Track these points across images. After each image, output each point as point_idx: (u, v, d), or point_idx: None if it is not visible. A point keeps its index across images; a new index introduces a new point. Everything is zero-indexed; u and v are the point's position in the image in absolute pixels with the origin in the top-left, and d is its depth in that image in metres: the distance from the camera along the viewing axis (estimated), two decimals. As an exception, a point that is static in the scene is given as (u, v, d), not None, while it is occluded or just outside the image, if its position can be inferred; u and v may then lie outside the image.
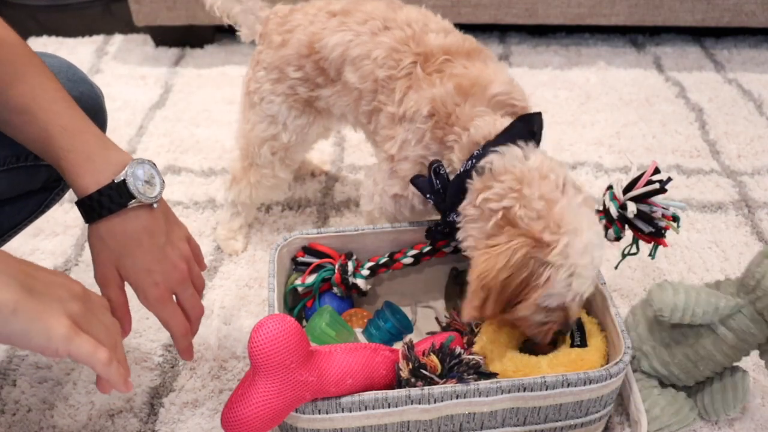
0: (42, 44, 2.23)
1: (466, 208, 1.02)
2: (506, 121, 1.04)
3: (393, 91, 1.12)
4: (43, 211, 1.05)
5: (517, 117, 1.05)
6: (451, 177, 1.05)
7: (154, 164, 0.87)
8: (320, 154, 1.73)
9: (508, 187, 0.96)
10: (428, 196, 1.08)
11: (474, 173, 1.01)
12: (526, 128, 1.04)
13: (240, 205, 1.43)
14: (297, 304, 1.20)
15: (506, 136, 1.02)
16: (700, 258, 1.44)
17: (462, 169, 1.03)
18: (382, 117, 1.16)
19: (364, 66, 1.15)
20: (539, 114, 1.07)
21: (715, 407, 1.08)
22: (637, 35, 2.25)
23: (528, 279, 0.93)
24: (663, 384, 1.11)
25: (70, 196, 1.58)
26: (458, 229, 1.04)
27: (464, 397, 0.95)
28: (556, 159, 1.02)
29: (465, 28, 2.29)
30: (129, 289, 0.91)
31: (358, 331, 1.19)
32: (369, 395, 0.93)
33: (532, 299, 0.95)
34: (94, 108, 1.01)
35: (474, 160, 1.02)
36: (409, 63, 1.11)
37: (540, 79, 2.03)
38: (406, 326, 1.18)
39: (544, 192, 0.95)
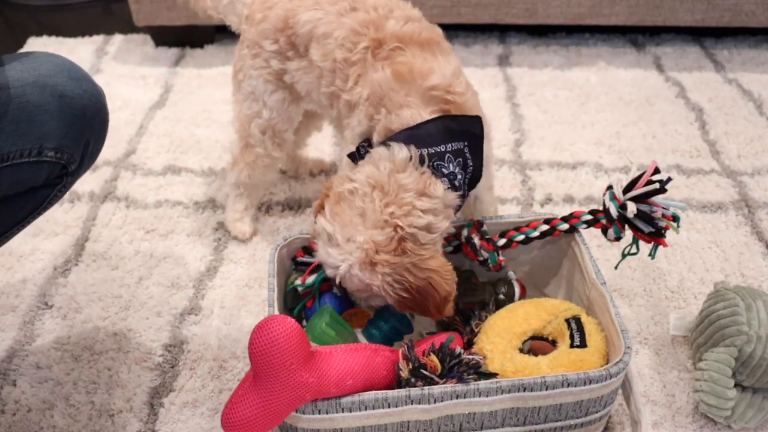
0: (42, 44, 2.23)
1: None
2: (430, 118, 1.08)
3: (347, 77, 1.17)
4: (45, 208, 1.06)
5: (437, 117, 1.07)
6: None
7: None
8: (320, 153, 1.73)
9: (367, 180, 1.03)
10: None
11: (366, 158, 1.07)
12: (444, 129, 1.06)
13: (242, 186, 1.46)
14: (297, 304, 1.20)
15: (411, 132, 1.05)
16: (700, 258, 1.44)
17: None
18: (342, 105, 1.20)
19: (326, 44, 1.19)
20: (475, 117, 1.09)
21: (745, 417, 1.10)
22: (637, 35, 2.25)
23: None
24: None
25: (70, 195, 1.58)
26: None
27: (464, 397, 0.95)
28: (436, 192, 1.03)
29: (465, 28, 2.31)
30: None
31: (358, 331, 1.18)
32: (369, 395, 0.93)
33: None
34: (95, 106, 1.01)
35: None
36: (363, 48, 1.15)
37: (540, 79, 2.03)
38: (406, 326, 1.18)
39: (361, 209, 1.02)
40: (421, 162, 1.04)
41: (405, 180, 1.02)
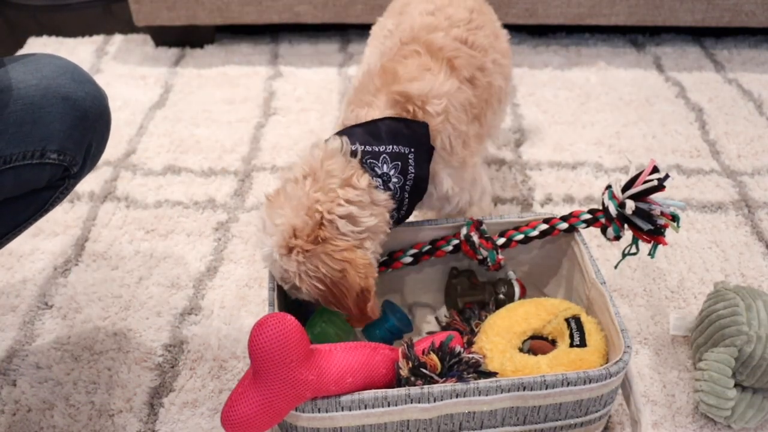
0: (42, 44, 2.23)
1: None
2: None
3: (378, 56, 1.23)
4: (47, 210, 1.06)
5: (384, 117, 1.08)
6: None
7: None
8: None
9: (299, 168, 1.05)
10: None
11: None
12: (389, 131, 1.07)
13: None
14: (296, 304, 1.20)
15: (356, 128, 1.08)
16: (700, 258, 1.44)
17: None
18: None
19: (401, 22, 1.28)
20: (422, 124, 1.09)
21: (745, 417, 1.10)
22: (637, 35, 2.25)
23: None
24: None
25: (70, 195, 1.58)
26: None
27: (464, 396, 0.95)
28: (361, 184, 1.04)
29: (465, 28, 2.29)
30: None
31: (358, 330, 1.19)
32: (369, 394, 0.93)
33: None
34: (98, 109, 1.02)
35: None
36: (400, 40, 1.20)
37: (540, 79, 2.03)
38: (406, 325, 1.18)
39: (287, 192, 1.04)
40: (353, 155, 1.05)
41: (331, 167, 1.02)
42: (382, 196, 1.06)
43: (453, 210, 1.25)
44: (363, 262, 1.02)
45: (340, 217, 1.01)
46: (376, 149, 1.06)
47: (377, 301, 1.07)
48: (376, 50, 1.29)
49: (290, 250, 1.00)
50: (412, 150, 1.08)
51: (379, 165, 1.06)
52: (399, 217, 1.11)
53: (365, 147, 1.05)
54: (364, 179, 1.04)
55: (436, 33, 1.18)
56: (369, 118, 1.08)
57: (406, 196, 1.09)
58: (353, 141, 1.06)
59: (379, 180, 1.05)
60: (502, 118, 1.43)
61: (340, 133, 1.08)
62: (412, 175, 1.08)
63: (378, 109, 1.09)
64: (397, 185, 1.07)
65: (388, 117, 1.08)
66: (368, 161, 1.05)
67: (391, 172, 1.06)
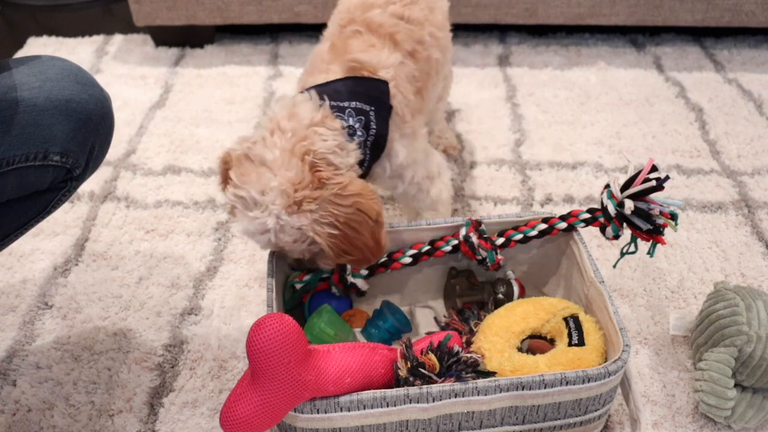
0: (42, 44, 2.23)
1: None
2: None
3: (324, 41, 1.23)
4: (49, 212, 1.06)
5: (345, 77, 1.10)
6: None
7: None
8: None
9: (269, 122, 1.04)
10: None
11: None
12: (350, 89, 1.07)
13: None
14: (296, 304, 1.20)
15: (319, 87, 1.08)
16: (700, 258, 1.44)
17: None
18: None
19: (338, 9, 1.30)
20: (382, 82, 1.11)
21: (745, 416, 1.10)
22: (637, 35, 2.25)
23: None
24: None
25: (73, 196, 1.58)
26: None
27: (463, 396, 0.95)
28: (331, 125, 1.04)
29: (465, 28, 2.31)
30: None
31: (357, 330, 1.19)
32: (367, 394, 0.93)
33: None
34: (101, 112, 1.02)
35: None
36: (337, 25, 1.22)
37: (540, 79, 2.03)
38: (405, 325, 1.18)
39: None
40: (320, 106, 1.05)
41: (302, 113, 1.01)
42: (352, 145, 1.06)
43: (408, 188, 1.23)
44: (370, 188, 1.01)
45: (330, 152, 1.00)
46: (341, 104, 1.06)
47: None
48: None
49: (299, 204, 0.97)
50: (373, 108, 1.08)
51: (345, 118, 1.06)
52: (361, 173, 1.10)
53: (331, 102, 1.06)
54: (336, 122, 1.04)
55: (373, 11, 1.20)
56: (325, 80, 1.10)
57: (368, 152, 1.09)
58: (319, 96, 1.06)
59: (346, 130, 1.06)
60: (437, 93, 1.44)
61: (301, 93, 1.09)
62: (374, 131, 1.09)
63: (335, 74, 1.11)
64: (361, 139, 1.07)
65: (348, 77, 1.09)
66: (335, 114, 1.05)
67: (356, 125, 1.06)
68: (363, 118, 1.07)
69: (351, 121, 1.06)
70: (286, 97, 1.08)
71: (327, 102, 1.06)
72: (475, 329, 1.11)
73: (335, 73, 1.11)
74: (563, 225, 1.17)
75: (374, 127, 1.08)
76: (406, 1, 1.24)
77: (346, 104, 1.06)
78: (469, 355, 0.98)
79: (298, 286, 1.17)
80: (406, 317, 1.18)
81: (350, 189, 0.98)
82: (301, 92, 1.09)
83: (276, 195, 0.97)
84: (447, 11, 1.39)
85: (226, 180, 1.05)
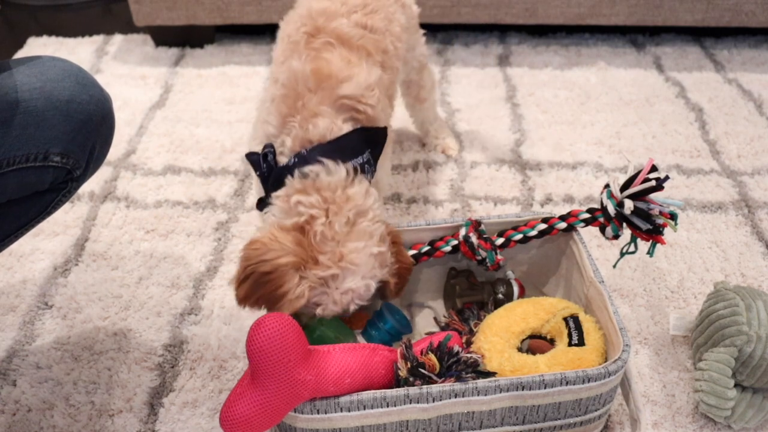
0: (42, 44, 2.23)
1: (280, 198, 1.07)
2: (346, 128, 1.10)
3: (283, 52, 1.20)
4: (50, 213, 1.06)
5: (358, 128, 1.11)
6: (280, 160, 1.11)
7: None
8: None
9: (322, 201, 1.02)
10: (257, 173, 1.13)
11: (297, 172, 1.06)
12: (362, 140, 1.10)
13: None
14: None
15: (338, 145, 1.08)
16: (700, 258, 1.44)
17: (288, 163, 1.08)
18: (270, 76, 1.25)
19: (291, 15, 1.27)
20: (384, 129, 1.14)
21: (745, 416, 1.10)
22: (637, 35, 2.25)
23: (280, 283, 0.99)
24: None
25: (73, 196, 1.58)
26: (269, 204, 1.09)
27: (463, 396, 0.95)
28: (376, 195, 1.09)
29: (465, 28, 2.31)
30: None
31: (358, 333, 1.19)
32: (367, 394, 0.93)
33: (280, 304, 1.01)
34: (102, 112, 1.02)
35: (298, 159, 1.07)
36: (302, 32, 1.18)
37: (540, 79, 2.03)
38: (405, 327, 1.18)
39: (355, 223, 1.02)
40: (356, 173, 1.08)
41: (355, 197, 1.05)
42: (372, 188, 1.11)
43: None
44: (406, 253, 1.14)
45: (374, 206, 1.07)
46: (360, 161, 1.10)
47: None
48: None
49: (383, 263, 1.06)
50: (369, 151, 1.13)
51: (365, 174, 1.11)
52: None
53: (353, 162, 1.09)
54: (365, 182, 1.09)
55: (339, 20, 1.20)
56: (334, 132, 1.09)
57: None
58: (343, 160, 1.07)
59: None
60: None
61: (316, 151, 1.08)
62: (373, 171, 1.15)
63: (332, 118, 1.10)
64: (369, 177, 1.13)
65: (355, 129, 1.11)
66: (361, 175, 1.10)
67: (369, 177, 1.12)
68: (368, 166, 1.12)
69: (366, 169, 1.11)
70: (326, 172, 1.06)
71: (357, 173, 1.08)
72: (475, 329, 1.11)
73: (331, 115, 1.10)
74: (563, 225, 1.18)
75: (373, 168, 1.14)
76: (366, 11, 1.25)
77: (361, 159, 1.10)
78: (469, 355, 0.98)
79: None
80: (407, 318, 1.18)
81: (399, 248, 1.11)
82: (320, 156, 1.07)
83: (370, 264, 1.04)
84: (404, 24, 1.37)
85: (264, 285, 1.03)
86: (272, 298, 1.01)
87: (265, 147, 1.12)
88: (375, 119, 1.15)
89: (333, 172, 1.05)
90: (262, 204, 1.13)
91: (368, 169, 1.11)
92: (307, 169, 1.06)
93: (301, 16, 1.23)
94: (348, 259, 1.00)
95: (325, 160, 1.06)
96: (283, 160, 1.11)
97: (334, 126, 1.09)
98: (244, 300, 1.03)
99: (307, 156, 1.07)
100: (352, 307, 1.05)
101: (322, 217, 1.01)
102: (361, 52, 1.19)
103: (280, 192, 1.07)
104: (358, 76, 1.13)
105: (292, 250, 0.99)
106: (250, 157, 1.14)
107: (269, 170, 1.11)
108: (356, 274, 1.02)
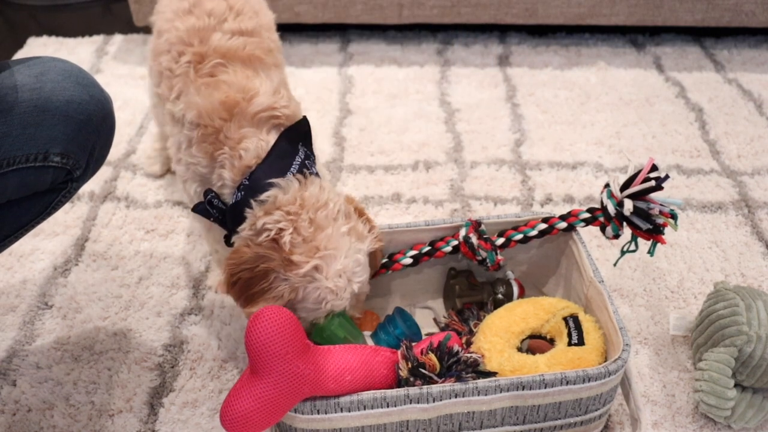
0: (42, 44, 2.23)
1: (246, 230, 1.06)
2: (272, 138, 1.10)
3: (171, 87, 1.18)
4: (50, 213, 1.06)
5: (281, 132, 1.10)
6: (227, 198, 1.11)
7: None
8: (321, 153, 1.73)
9: (286, 215, 1.03)
10: (211, 219, 1.13)
11: (254, 203, 1.06)
12: (291, 141, 1.10)
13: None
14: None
15: (274, 157, 1.08)
16: (700, 258, 1.44)
17: (237, 199, 1.08)
18: (166, 112, 1.21)
19: (159, 44, 1.23)
20: (303, 119, 1.13)
21: (745, 416, 1.10)
22: (637, 35, 2.25)
23: (265, 287, 1.01)
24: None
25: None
26: (238, 236, 1.09)
27: (463, 396, 0.95)
28: (330, 185, 1.10)
29: (465, 28, 2.31)
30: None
31: (367, 334, 1.18)
32: (368, 395, 0.93)
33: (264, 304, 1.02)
34: (102, 113, 1.02)
35: (246, 191, 1.07)
36: (186, 62, 1.16)
37: (540, 79, 2.03)
38: (416, 334, 1.17)
39: (316, 219, 1.03)
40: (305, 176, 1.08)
41: (323, 199, 1.05)
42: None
43: None
44: None
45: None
46: (301, 157, 1.10)
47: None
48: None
49: (359, 236, 1.07)
50: (301, 144, 1.12)
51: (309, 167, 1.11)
52: None
53: (303, 164, 1.09)
54: (317, 180, 1.09)
55: (214, 36, 1.17)
56: (264, 149, 1.09)
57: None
58: (288, 168, 1.07)
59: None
60: None
61: (259, 174, 1.07)
62: (314, 156, 1.15)
63: (257, 135, 1.09)
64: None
65: (279, 135, 1.10)
66: (305, 171, 1.09)
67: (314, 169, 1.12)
68: (306, 151, 1.13)
69: (308, 165, 1.11)
70: (304, 185, 1.07)
71: (306, 176, 1.08)
72: (474, 329, 1.11)
73: (255, 133, 1.09)
74: (563, 225, 1.18)
75: (312, 154, 1.14)
76: (234, 14, 1.22)
77: (302, 155, 1.10)
78: (469, 355, 0.99)
79: None
80: (418, 325, 1.17)
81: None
82: (267, 178, 1.07)
83: (360, 262, 1.07)
84: (271, 15, 1.35)
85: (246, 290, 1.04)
86: (261, 300, 1.02)
87: (205, 194, 1.11)
88: (293, 116, 1.14)
89: (287, 188, 1.05)
90: (229, 239, 1.13)
91: (309, 163, 1.11)
92: (263, 196, 1.05)
93: (171, 43, 1.19)
94: (323, 247, 1.01)
95: (275, 180, 1.06)
96: (226, 194, 1.10)
97: (262, 142, 1.09)
98: (237, 301, 1.05)
99: (254, 185, 1.06)
100: (356, 288, 1.05)
101: (290, 227, 1.01)
102: (253, 61, 1.17)
103: (245, 224, 1.06)
104: (263, 86, 1.13)
105: (269, 255, 1.01)
106: (197, 208, 1.13)
107: (222, 213, 1.11)
108: (338, 256, 1.02)
